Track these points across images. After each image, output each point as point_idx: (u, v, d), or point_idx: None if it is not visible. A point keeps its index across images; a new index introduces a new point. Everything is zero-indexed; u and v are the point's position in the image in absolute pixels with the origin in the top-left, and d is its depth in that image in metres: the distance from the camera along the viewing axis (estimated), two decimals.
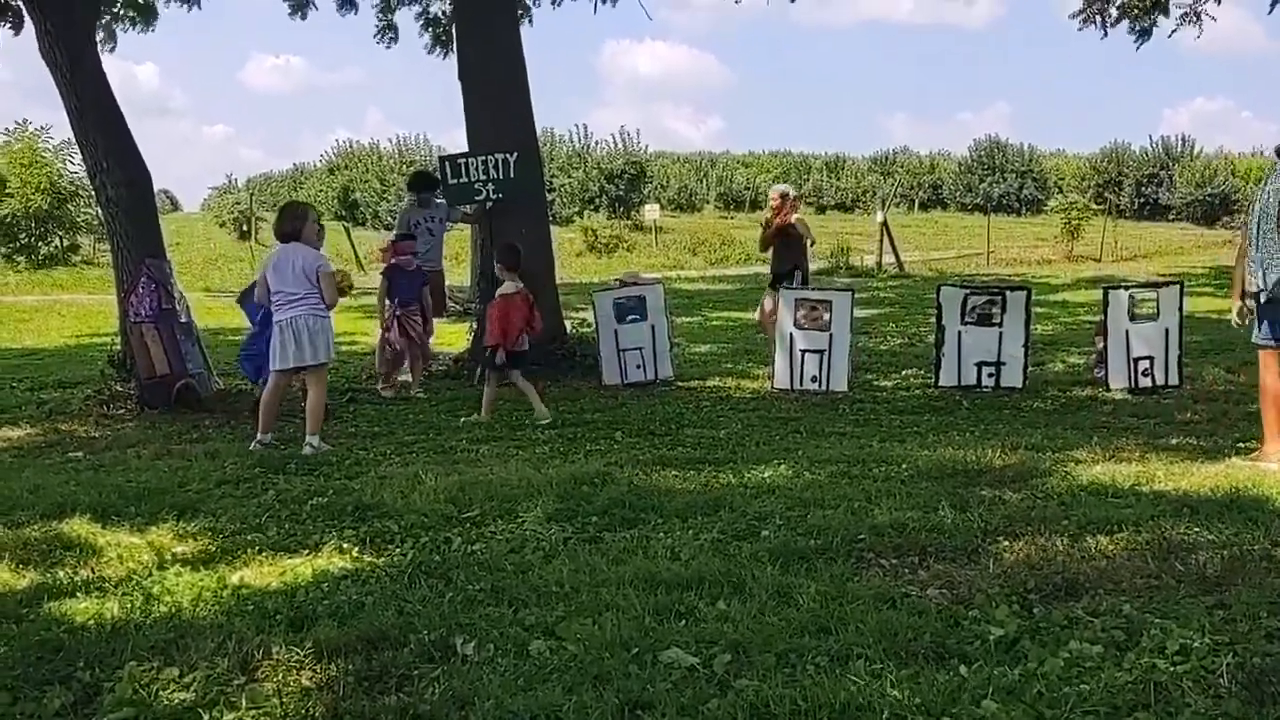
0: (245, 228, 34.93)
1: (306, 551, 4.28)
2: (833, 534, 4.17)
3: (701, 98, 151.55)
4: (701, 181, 51.67)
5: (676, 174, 50.49)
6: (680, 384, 9.55)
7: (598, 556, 4.06)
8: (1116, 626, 3.05)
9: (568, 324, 10.73)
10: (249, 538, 4.50)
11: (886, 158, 57.25)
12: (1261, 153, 54.16)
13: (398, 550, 4.26)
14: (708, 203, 50.09)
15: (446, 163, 9.98)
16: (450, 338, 12.04)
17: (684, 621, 3.32)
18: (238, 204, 39.19)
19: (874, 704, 2.62)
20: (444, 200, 10.13)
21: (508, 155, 9.57)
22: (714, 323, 15.15)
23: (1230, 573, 3.50)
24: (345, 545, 4.33)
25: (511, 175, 9.59)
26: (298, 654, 3.13)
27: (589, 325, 10.16)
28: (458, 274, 20.73)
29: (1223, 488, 4.84)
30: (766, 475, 5.48)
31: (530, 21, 13.23)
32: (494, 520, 4.65)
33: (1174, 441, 6.59)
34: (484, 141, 9.91)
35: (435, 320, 10.86)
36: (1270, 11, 15.00)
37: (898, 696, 2.64)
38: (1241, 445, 6.37)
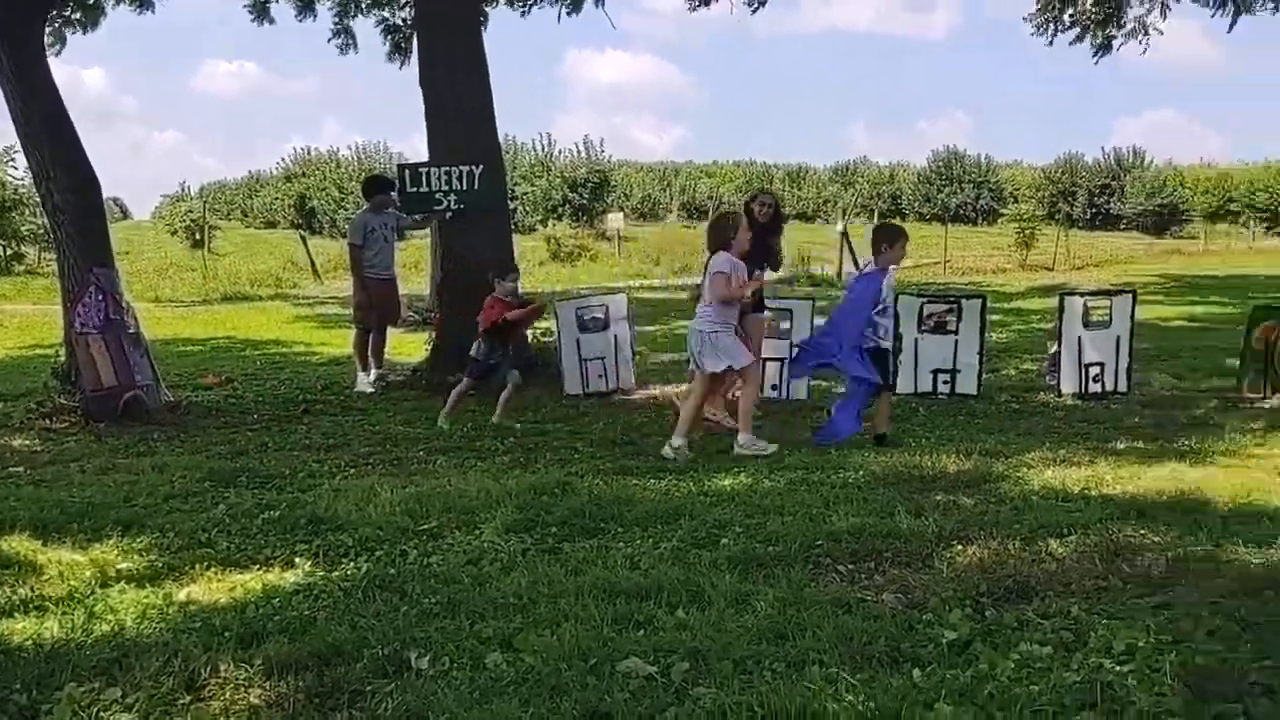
0: (198, 236, 34.47)
1: (257, 566, 4.22)
2: (791, 541, 4.19)
3: (664, 107, 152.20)
4: (665, 190, 51.88)
5: (640, 183, 50.68)
6: (642, 393, 9.54)
7: (557, 567, 4.04)
8: (1065, 628, 3.09)
9: (529, 334, 10.69)
10: (197, 553, 4.42)
11: (847, 168, 57.81)
12: (1210, 164, 55.37)
13: (352, 564, 4.21)
14: (671, 212, 50.26)
15: (406, 171, 9.91)
16: (408, 347, 11.95)
17: (643, 630, 3.31)
18: (190, 212, 38.66)
19: (830, 709, 2.63)
20: (396, 208, 10.06)
21: (473, 167, 9.54)
22: (679, 331, 15.15)
23: (1174, 574, 3.57)
24: (298, 559, 4.28)
25: (475, 187, 9.55)
26: (247, 671, 3.09)
27: (551, 335, 10.13)
28: (416, 282, 20.64)
29: (1168, 491, 4.92)
30: (726, 483, 5.50)
31: (485, 26, 13.15)
32: (451, 532, 4.62)
33: (1122, 446, 6.68)
34: (446, 149, 9.85)
35: (391, 330, 10.78)
36: (1230, 30, 15.33)
37: (853, 701, 2.65)
38: (1187, 448, 6.48)
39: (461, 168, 9.53)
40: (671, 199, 52.26)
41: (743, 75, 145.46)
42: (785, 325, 9.22)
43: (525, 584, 3.81)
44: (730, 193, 54.16)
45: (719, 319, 6.91)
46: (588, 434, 7.53)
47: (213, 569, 4.18)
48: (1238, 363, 8.95)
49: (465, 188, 9.53)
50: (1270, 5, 14.98)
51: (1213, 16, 14.93)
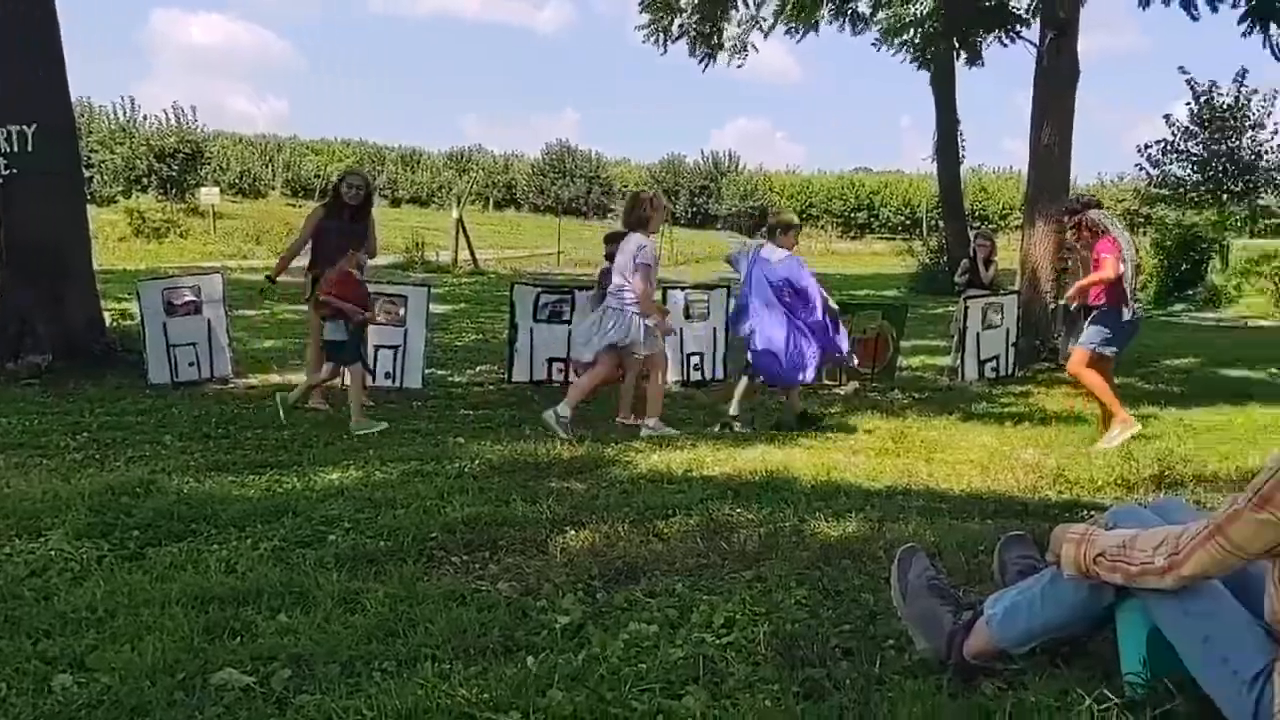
0: None
1: None
2: (404, 534, 4.06)
3: (262, 77, 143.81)
4: (267, 166, 49.17)
5: (238, 156, 47.60)
6: (240, 382, 8.96)
7: (139, 575, 3.63)
8: (671, 605, 3.22)
9: (107, 316, 9.67)
10: None
11: (462, 155, 57.95)
12: (794, 170, 61.61)
13: None
14: (274, 189, 47.78)
15: None
16: None
17: (239, 639, 3.05)
18: None
19: (441, 705, 2.56)
20: None
21: (24, 127, 8.46)
22: (281, 316, 14.38)
23: (766, 548, 3.84)
24: None
25: (29, 149, 8.49)
26: None
27: (132, 317, 9.23)
28: None
29: (760, 471, 5.34)
30: (335, 477, 5.25)
31: None
32: (10, 541, 4.02)
33: (718, 429, 7.20)
34: (5, 108, 8.68)
35: None
36: (798, 41, 17.19)
37: (466, 695, 2.59)
38: (775, 431, 7.11)
39: (10, 128, 8.47)
40: (275, 175, 49.61)
41: (350, 50, 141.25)
42: (401, 312, 9.05)
43: (101, 595, 3.38)
44: (340, 172, 52.31)
45: (627, 303, 6.99)
46: (176, 427, 6.93)
47: None
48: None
49: (17, 150, 8.47)
50: (838, 24, 16.94)
51: (786, 33, 16.62)
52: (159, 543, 4.06)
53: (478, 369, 10.28)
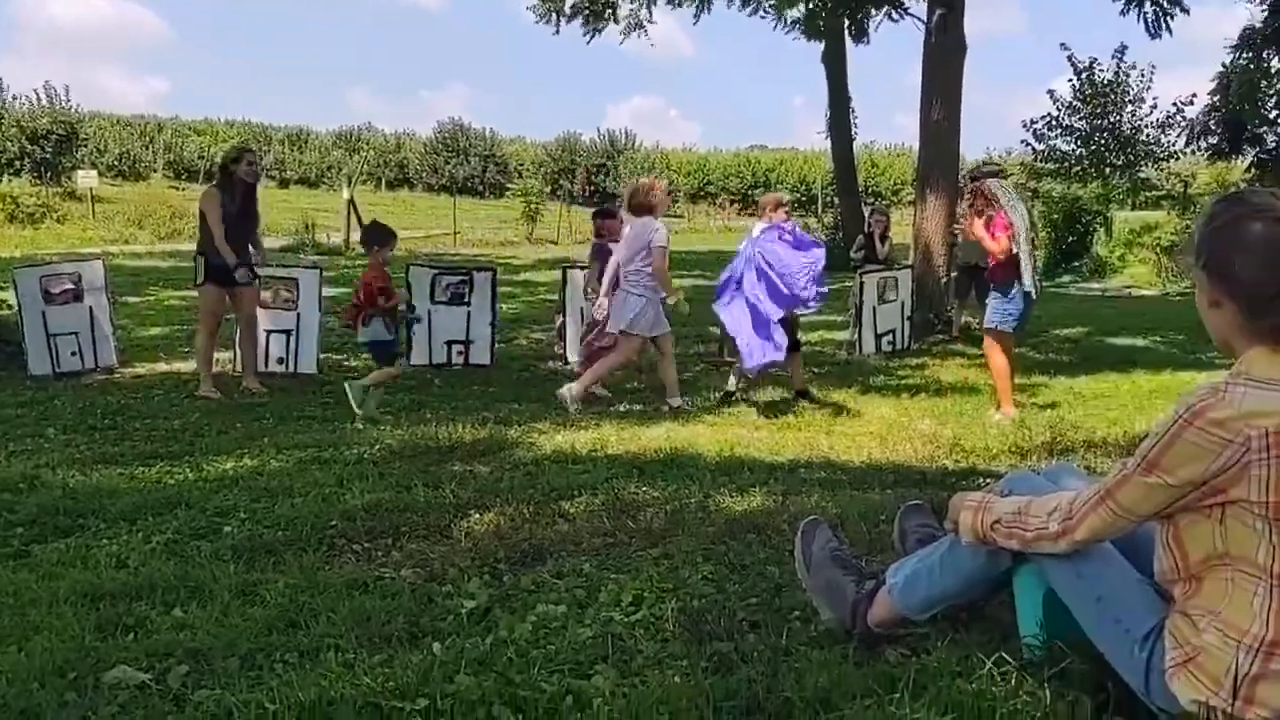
0: None
1: None
2: (302, 523, 3.98)
3: (138, 55, 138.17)
4: (148, 148, 47.39)
5: (117, 137, 45.77)
6: (126, 371, 8.64)
7: (25, 573, 3.49)
8: (578, 585, 3.21)
9: None
10: None
11: (351, 134, 56.71)
12: (691, 148, 61.81)
13: None
14: (155, 171, 46.09)
15: None
16: None
17: (133, 635, 2.95)
18: None
19: (346, 695, 2.51)
20: None
21: None
22: (167, 303, 13.89)
23: (672, 525, 3.86)
24: None
25: None
26: None
27: (10, 307, 8.82)
28: None
29: (665, 449, 5.37)
30: (229, 467, 5.12)
31: None
32: None
33: (623, 409, 7.22)
34: None
35: None
36: (696, 23, 17.20)
37: (371, 684, 2.55)
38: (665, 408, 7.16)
39: None
40: (156, 157, 47.85)
41: (230, 25, 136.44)
42: (293, 295, 8.83)
43: None
44: (229, 151, 50.61)
45: (652, 286, 7.09)
46: (60, 419, 6.67)
47: None
48: (718, 330, 10.06)
49: None
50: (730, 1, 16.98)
51: (672, 5, 16.59)
52: (45, 539, 3.93)
53: None
